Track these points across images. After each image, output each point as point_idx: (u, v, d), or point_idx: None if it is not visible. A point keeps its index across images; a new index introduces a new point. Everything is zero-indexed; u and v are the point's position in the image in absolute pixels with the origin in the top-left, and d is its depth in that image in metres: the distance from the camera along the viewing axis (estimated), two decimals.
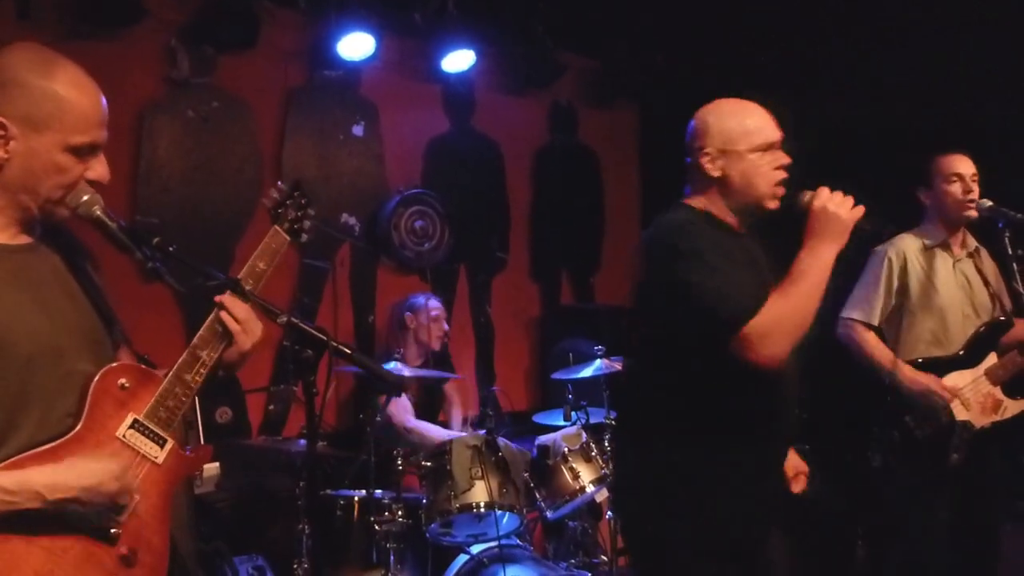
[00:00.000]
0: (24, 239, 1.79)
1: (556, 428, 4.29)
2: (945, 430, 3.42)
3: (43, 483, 1.62)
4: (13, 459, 1.64)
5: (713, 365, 2.24)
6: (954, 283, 3.57)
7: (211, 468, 3.87)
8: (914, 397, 3.44)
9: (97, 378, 1.76)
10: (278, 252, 2.04)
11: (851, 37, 4.83)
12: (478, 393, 5.52)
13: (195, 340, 1.87)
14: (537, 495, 3.97)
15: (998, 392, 3.49)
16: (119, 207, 4.10)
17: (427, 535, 3.80)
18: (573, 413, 4.20)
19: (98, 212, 1.78)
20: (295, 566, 3.67)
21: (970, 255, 3.65)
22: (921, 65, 4.53)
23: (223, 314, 1.86)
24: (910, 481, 3.49)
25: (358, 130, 5.25)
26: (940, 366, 3.50)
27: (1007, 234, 3.36)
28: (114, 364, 1.81)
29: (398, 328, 4.79)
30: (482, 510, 3.70)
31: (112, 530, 1.71)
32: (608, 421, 4.17)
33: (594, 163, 6.33)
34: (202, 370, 1.85)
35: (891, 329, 3.64)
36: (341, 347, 1.88)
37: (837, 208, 2.25)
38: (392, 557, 3.72)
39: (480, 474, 3.72)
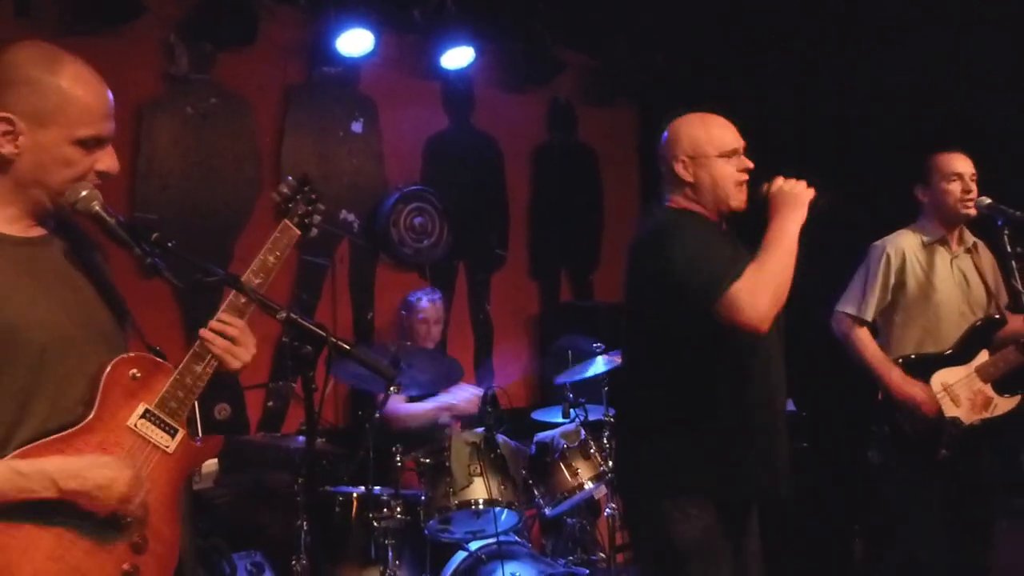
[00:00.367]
0: (37, 232, 1.81)
1: (555, 425, 4.29)
2: (934, 426, 3.43)
3: (57, 470, 1.64)
4: (25, 447, 1.66)
5: (705, 354, 2.46)
6: (951, 281, 3.58)
7: (210, 464, 3.87)
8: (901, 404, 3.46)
9: (109, 368, 1.78)
10: (288, 246, 2.06)
11: (851, 37, 4.83)
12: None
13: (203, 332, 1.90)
14: (535, 492, 3.99)
15: (989, 389, 3.49)
16: (118, 203, 4.07)
17: (426, 531, 3.81)
18: (572, 410, 4.21)
19: (97, 208, 1.79)
20: (293, 562, 3.68)
21: (968, 251, 3.66)
22: (921, 65, 4.53)
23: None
24: (908, 479, 3.50)
25: (357, 127, 5.25)
26: (932, 362, 3.51)
27: (1006, 232, 3.35)
28: (126, 355, 1.83)
29: (399, 324, 4.84)
30: (481, 507, 3.71)
31: (123, 519, 1.72)
32: (607, 418, 4.17)
33: (593, 161, 6.33)
34: (213, 361, 1.88)
35: (885, 324, 3.65)
36: (340, 343, 1.89)
37: (792, 188, 2.53)
38: (391, 553, 3.72)
39: (479, 471, 3.73)
